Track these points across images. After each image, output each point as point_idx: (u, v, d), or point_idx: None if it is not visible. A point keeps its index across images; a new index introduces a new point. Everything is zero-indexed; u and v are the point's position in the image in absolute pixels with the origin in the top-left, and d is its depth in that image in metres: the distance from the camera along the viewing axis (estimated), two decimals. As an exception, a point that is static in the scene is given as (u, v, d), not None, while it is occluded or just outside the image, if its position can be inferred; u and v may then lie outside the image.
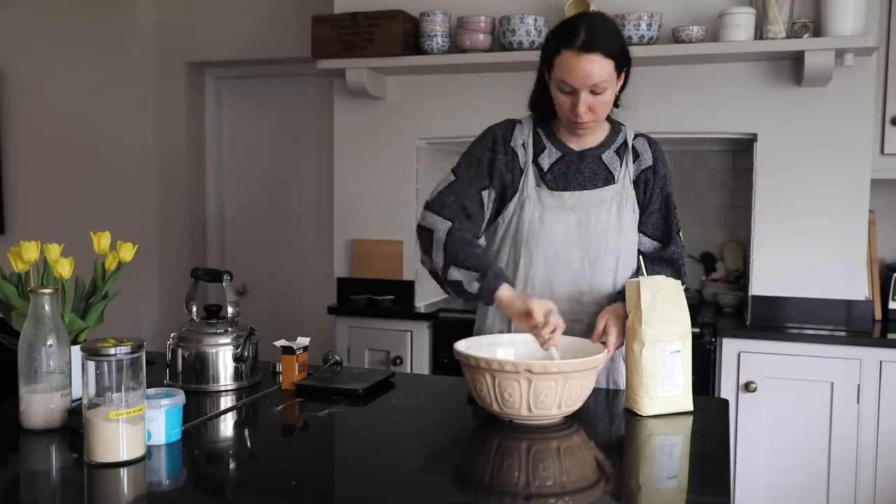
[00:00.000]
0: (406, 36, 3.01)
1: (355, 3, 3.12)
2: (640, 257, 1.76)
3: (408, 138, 3.21)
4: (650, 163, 1.87)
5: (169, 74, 3.91)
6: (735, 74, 2.84)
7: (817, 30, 2.68)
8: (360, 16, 3.02)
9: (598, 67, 1.68)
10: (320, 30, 3.07)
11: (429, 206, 1.83)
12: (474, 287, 1.72)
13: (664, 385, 1.59)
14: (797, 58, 2.72)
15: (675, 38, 2.76)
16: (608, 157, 1.86)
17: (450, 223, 1.77)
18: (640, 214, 1.88)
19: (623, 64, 1.75)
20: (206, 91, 4.04)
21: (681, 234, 1.90)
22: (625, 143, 1.88)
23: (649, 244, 1.89)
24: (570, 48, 1.68)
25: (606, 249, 1.83)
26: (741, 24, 2.67)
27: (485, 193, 1.84)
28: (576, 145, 1.86)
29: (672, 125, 2.90)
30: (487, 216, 1.87)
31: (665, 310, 1.60)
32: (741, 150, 3.24)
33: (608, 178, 1.85)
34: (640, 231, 1.88)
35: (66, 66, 3.95)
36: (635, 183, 1.87)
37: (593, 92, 1.71)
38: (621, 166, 1.86)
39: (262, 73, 3.92)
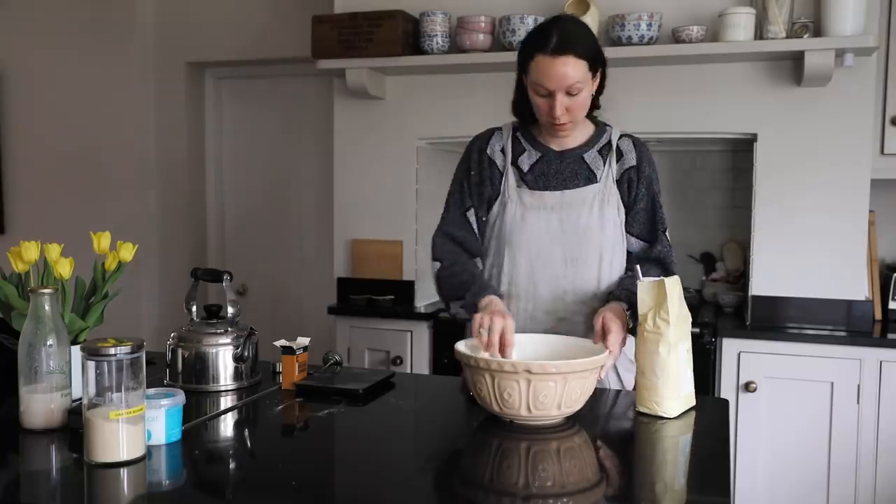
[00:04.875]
0: (406, 36, 3.01)
1: (355, 3, 3.12)
2: (637, 266, 1.75)
3: (408, 138, 3.21)
4: (634, 162, 1.88)
5: (169, 74, 3.91)
6: (735, 74, 2.84)
7: (817, 30, 2.68)
8: (360, 16, 3.02)
9: (571, 69, 1.71)
10: (320, 30, 3.07)
11: (430, 250, 1.95)
12: (462, 314, 1.82)
13: (687, 384, 1.59)
14: (797, 58, 2.72)
15: (675, 38, 2.76)
16: (591, 156, 1.88)
17: (439, 263, 1.92)
18: (626, 215, 1.89)
19: (597, 64, 1.78)
20: (206, 91, 4.04)
21: (667, 233, 1.91)
22: (609, 143, 1.90)
23: (636, 244, 1.90)
24: (543, 52, 1.72)
25: (589, 248, 1.85)
26: (741, 24, 2.67)
27: (469, 214, 1.93)
28: (556, 146, 1.89)
29: (672, 125, 2.90)
30: (479, 230, 1.95)
31: (683, 310, 1.61)
32: (741, 150, 3.24)
33: (590, 178, 1.87)
34: (627, 232, 1.90)
35: (66, 67, 3.95)
36: (618, 182, 1.88)
37: (569, 93, 1.74)
38: (604, 166, 1.88)
39: (262, 73, 3.92)
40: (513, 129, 1.94)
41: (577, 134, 1.88)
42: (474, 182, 1.92)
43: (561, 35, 1.71)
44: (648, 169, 1.90)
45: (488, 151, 1.91)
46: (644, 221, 1.90)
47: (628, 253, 1.90)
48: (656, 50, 2.76)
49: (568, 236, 1.84)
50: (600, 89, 1.85)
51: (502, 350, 1.60)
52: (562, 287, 1.85)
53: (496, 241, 1.91)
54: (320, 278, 3.81)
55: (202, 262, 4.02)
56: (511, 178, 1.89)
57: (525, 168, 1.88)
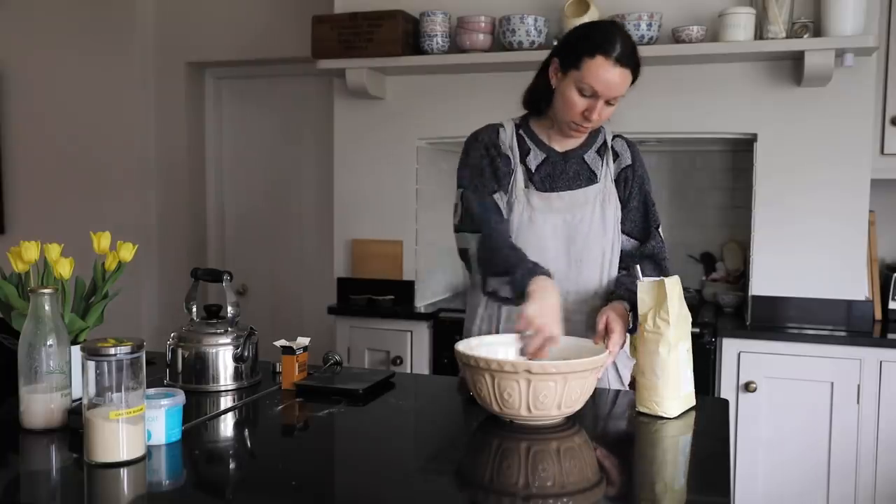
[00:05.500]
0: (406, 36, 3.01)
1: (355, 3, 3.12)
2: (637, 266, 1.75)
3: (408, 138, 3.21)
4: (629, 162, 1.91)
5: (169, 74, 3.91)
6: (735, 74, 2.84)
7: (817, 30, 2.68)
8: (360, 16, 3.02)
9: (623, 81, 1.74)
10: (320, 30, 3.07)
11: (457, 229, 1.87)
12: (506, 292, 1.70)
13: (687, 384, 1.59)
14: (797, 58, 2.72)
15: (675, 38, 2.76)
16: (590, 157, 1.90)
17: (478, 234, 1.80)
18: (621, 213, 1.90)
19: (634, 82, 1.79)
20: (206, 91, 4.04)
21: (661, 230, 1.92)
22: (605, 143, 1.92)
23: (628, 243, 1.91)
24: (607, 56, 1.71)
25: (592, 248, 1.85)
26: (741, 24, 2.67)
27: (497, 197, 1.86)
28: (558, 146, 1.89)
29: (672, 125, 2.90)
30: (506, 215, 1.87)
31: (683, 310, 1.61)
32: (741, 150, 3.24)
33: (591, 178, 1.88)
34: (620, 231, 1.90)
35: (66, 66, 3.95)
36: (615, 181, 1.90)
37: (608, 102, 1.75)
38: (602, 166, 1.90)
39: (262, 73, 3.92)
40: (514, 126, 1.92)
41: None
42: (497, 167, 1.85)
43: (625, 46, 1.72)
44: (641, 168, 1.93)
45: (501, 146, 1.88)
46: (636, 219, 1.91)
47: (620, 251, 1.91)
48: (656, 50, 2.76)
49: (573, 237, 1.85)
50: None
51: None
52: (565, 288, 1.84)
53: None
54: (320, 278, 3.81)
55: (202, 262, 4.02)
56: (520, 178, 1.87)
57: (532, 168, 1.88)
